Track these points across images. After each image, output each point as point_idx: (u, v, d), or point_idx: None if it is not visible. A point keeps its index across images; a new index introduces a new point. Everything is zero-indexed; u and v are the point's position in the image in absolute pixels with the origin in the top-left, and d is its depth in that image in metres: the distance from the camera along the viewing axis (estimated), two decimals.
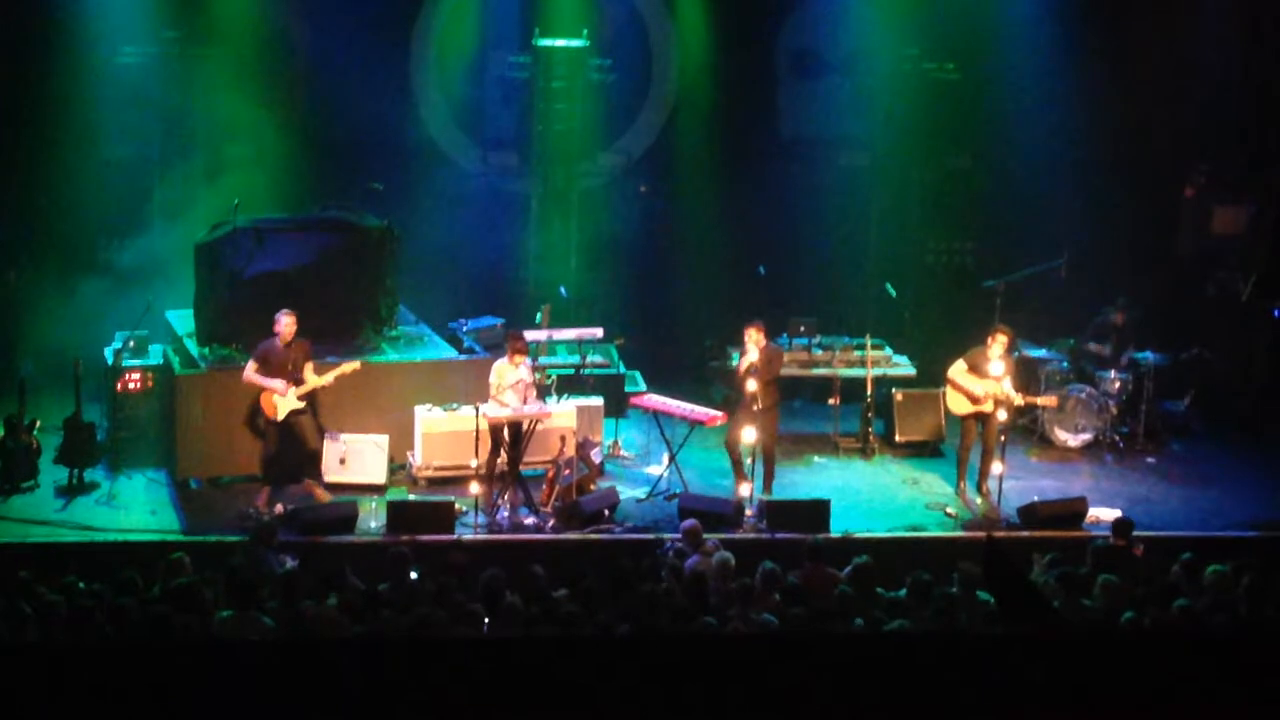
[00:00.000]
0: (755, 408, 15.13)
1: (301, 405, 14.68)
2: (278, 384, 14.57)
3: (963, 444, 15.75)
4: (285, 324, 14.60)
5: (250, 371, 14.60)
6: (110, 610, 10.62)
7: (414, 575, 11.70)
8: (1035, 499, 15.13)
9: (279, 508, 14.47)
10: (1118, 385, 17.44)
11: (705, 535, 13.00)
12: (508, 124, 20.14)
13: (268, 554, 12.41)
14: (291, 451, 14.78)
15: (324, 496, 14.78)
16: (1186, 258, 20.18)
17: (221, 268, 15.89)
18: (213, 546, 13.35)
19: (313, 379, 14.69)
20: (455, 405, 15.50)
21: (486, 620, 10.82)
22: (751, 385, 15.20)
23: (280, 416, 14.60)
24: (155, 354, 16.37)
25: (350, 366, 14.94)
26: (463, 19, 19.70)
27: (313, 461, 14.97)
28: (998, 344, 15.42)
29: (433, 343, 16.95)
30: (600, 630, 10.51)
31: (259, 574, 11.65)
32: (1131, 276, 19.03)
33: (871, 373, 17.08)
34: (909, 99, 19.80)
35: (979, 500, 15.49)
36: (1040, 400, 16.43)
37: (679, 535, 13.13)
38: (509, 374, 14.85)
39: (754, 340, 15.18)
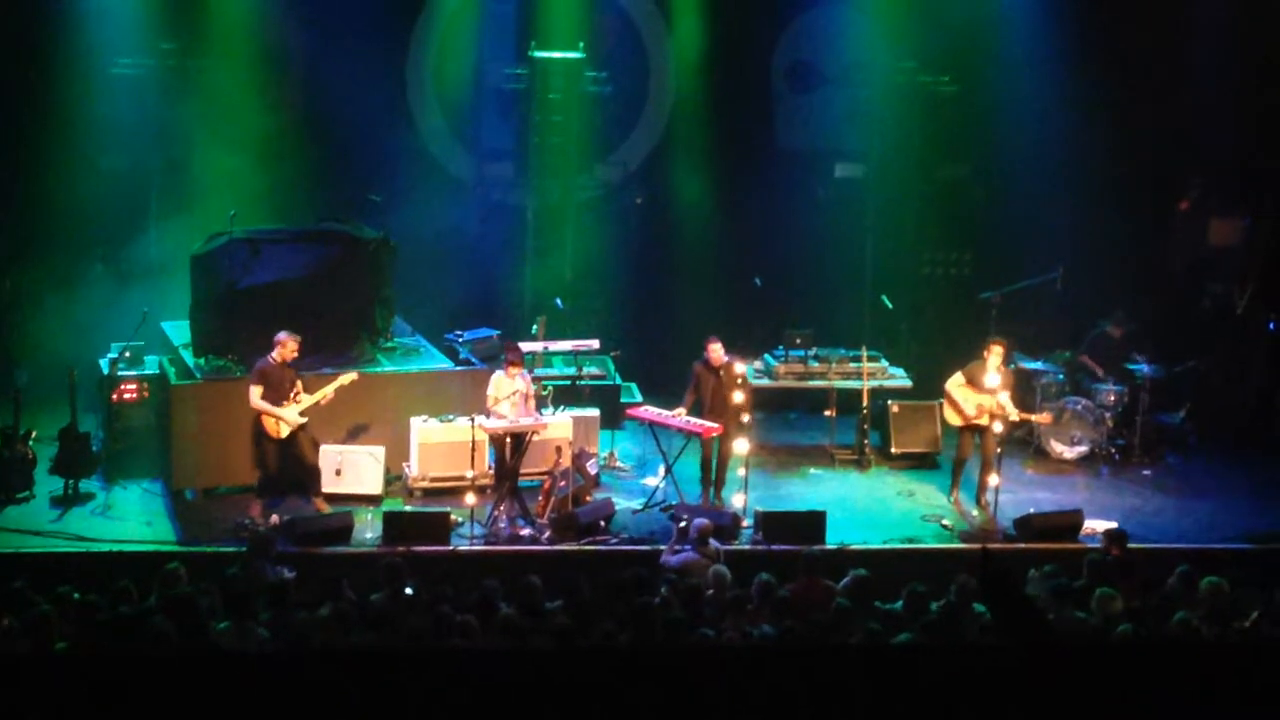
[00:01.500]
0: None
1: (304, 421, 14.68)
2: (289, 413, 14.55)
3: (958, 455, 15.81)
4: (291, 348, 14.60)
5: (257, 398, 14.50)
6: (105, 621, 10.61)
7: (409, 591, 11.66)
8: (1031, 511, 15.13)
9: (274, 518, 14.47)
10: (1113, 398, 17.46)
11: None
12: (504, 136, 20.12)
13: (266, 566, 12.39)
14: (291, 467, 14.78)
15: (325, 509, 14.78)
16: (1182, 270, 20.19)
17: (217, 278, 15.88)
18: (208, 557, 13.34)
19: (306, 397, 14.67)
20: (451, 416, 15.50)
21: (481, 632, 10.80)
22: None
23: (285, 435, 14.59)
24: (151, 364, 16.37)
25: (348, 378, 14.94)
26: (459, 31, 19.69)
27: (312, 476, 14.97)
28: (994, 355, 15.51)
29: (429, 354, 16.95)
30: (595, 642, 10.50)
31: (258, 586, 11.63)
32: (1127, 289, 19.05)
33: (867, 384, 17.09)
34: (905, 111, 19.81)
35: (975, 511, 15.52)
36: (1035, 417, 16.49)
37: (700, 522, 13.23)
38: (506, 386, 14.88)
39: (716, 353, 15.36)
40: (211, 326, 15.92)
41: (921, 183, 20.24)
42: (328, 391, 14.77)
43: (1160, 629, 10.94)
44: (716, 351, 15.48)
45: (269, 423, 14.55)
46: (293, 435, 14.64)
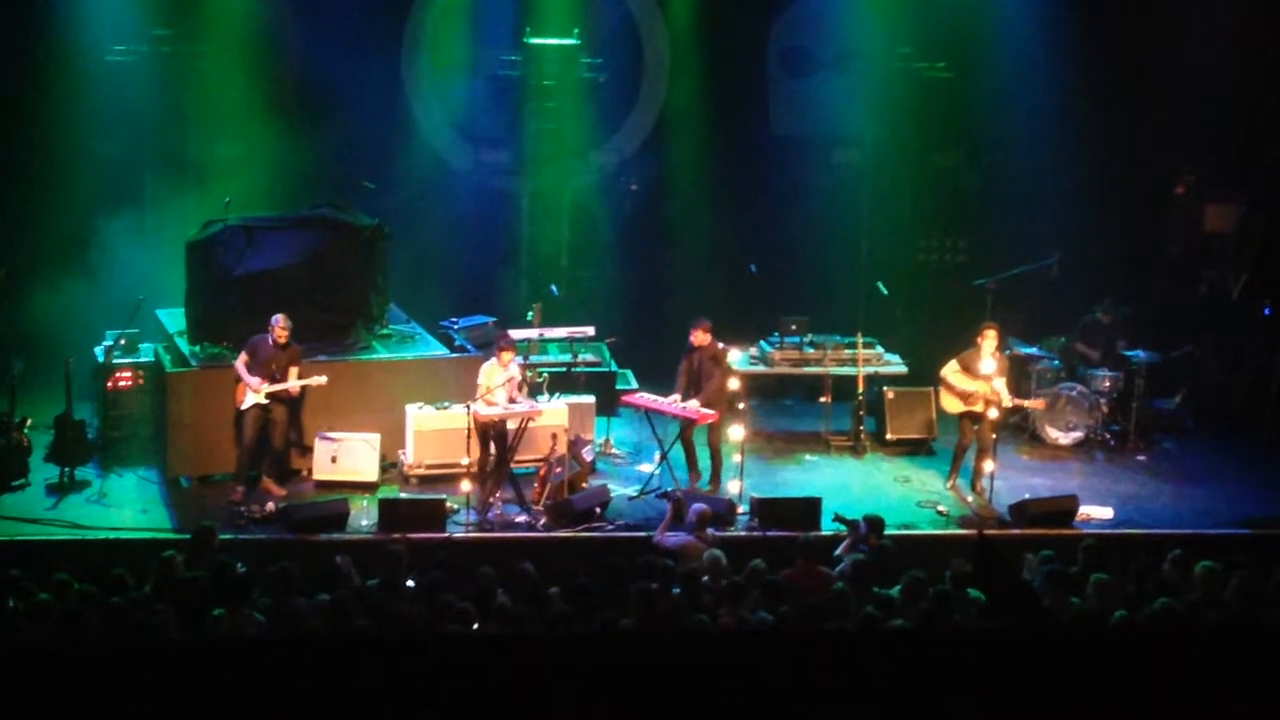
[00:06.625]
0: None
1: (265, 402, 14.72)
2: (254, 381, 14.72)
3: (960, 443, 15.81)
4: (279, 330, 14.70)
5: (238, 361, 14.84)
6: (101, 609, 10.62)
7: (410, 583, 11.64)
8: (1026, 497, 15.15)
9: (270, 505, 14.48)
10: (1109, 383, 17.47)
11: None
12: (499, 122, 20.10)
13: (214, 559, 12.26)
14: (256, 446, 14.86)
15: (279, 492, 14.85)
16: (1178, 256, 20.20)
17: (213, 266, 15.87)
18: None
19: (276, 385, 14.75)
20: (447, 403, 15.50)
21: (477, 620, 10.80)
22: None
23: (243, 406, 14.70)
24: (146, 352, 16.37)
25: (315, 380, 14.98)
26: (454, 17, 19.66)
27: (275, 461, 15.07)
28: (989, 340, 15.51)
29: (424, 341, 16.95)
30: (592, 628, 10.51)
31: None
32: (1123, 275, 19.06)
33: (863, 371, 17.10)
34: (900, 97, 19.80)
35: (972, 497, 15.55)
36: (1029, 403, 16.51)
37: (700, 507, 13.27)
38: (497, 375, 14.87)
39: (700, 338, 15.40)
40: (207, 314, 15.92)
41: (917, 169, 20.25)
42: (291, 385, 14.86)
43: (1155, 614, 10.94)
44: (696, 336, 15.49)
45: (239, 391, 14.79)
46: (256, 413, 14.74)
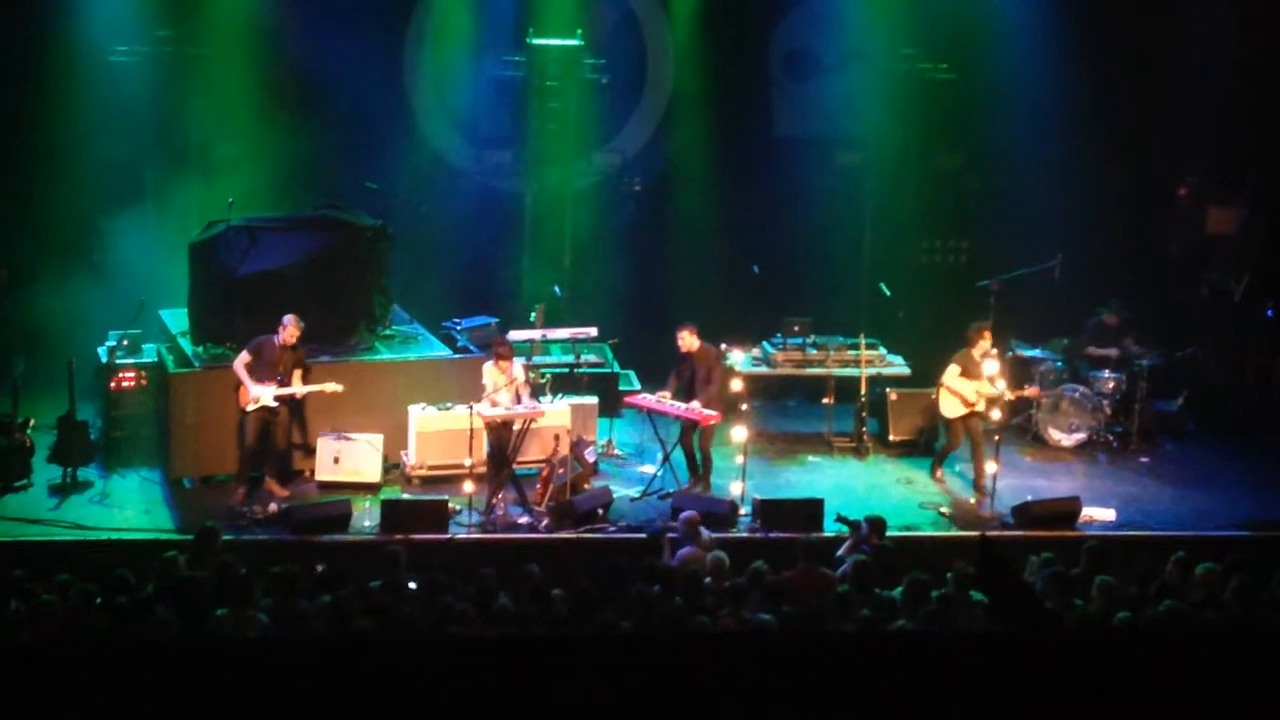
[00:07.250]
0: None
1: (274, 405, 14.72)
2: (256, 387, 14.67)
3: (950, 443, 15.87)
4: (290, 331, 14.70)
5: (238, 362, 14.74)
6: (103, 609, 10.62)
7: (412, 585, 11.64)
8: (1029, 498, 15.15)
9: (273, 506, 14.48)
10: (1111, 385, 17.47)
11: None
12: (502, 123, 20.10)
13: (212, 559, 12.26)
14: (259, 447, 14.86)
15: (281, 493, 14.86)
16: (1180, 257, 20.19)
17: (215, 266, 15.88)
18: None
19: (285, 390, 14.74)
20: (449, 404, 15.51)
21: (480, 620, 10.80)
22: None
23: (248, 409, 14.67)
24: (149, 352, 16.38)
25: (330, 388, 14.97)
26: (457, 18, 19.65)
27: (278, 462, 15.10)
28: (983, 340, 15.53)
29: (427, 342, 16.96)
30: (593, 630, 10.51)
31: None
32: (1125, 277, 19.06)
33: (865, 372, 17.10)
34: (903, 99, 19.79)
35: (973, 497, 15.54)
36: (1027, 391, 16.42)
37: (688, 515, 13.25)
38: (499, 376, 14.89)
39: (687, 342, 15.39)
40: (209, 314, 15.93)
41: (919, 170, 20.24)
42: (301, 390, 14.86)
43: (1157, 616, 10.94)
44: (682, 340, 15.49)
45: (242, 392, 14.73)
46: (261, 414, 14.72)
